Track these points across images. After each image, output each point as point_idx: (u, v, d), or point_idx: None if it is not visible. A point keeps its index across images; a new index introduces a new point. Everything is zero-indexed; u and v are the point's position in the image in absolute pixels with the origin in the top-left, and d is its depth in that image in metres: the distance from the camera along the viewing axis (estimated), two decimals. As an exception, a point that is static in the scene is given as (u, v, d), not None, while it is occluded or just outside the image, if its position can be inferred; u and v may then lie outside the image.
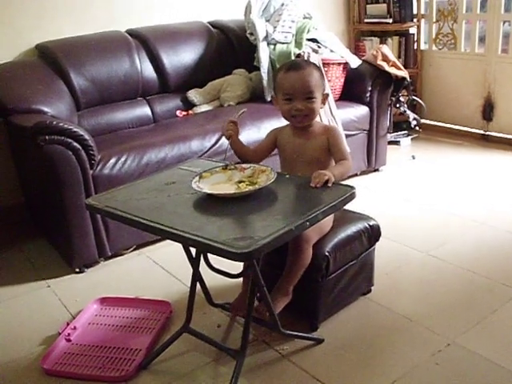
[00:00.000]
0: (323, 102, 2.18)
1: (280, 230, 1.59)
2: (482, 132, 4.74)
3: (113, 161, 2.85)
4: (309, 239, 2.09)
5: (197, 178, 1.97)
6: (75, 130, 2.67)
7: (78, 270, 2.87)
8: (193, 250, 2.11)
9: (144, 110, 3.66)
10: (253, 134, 3.12)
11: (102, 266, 2.94)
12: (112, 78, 3.50)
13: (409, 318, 2.32)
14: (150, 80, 3.69)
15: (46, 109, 3.03)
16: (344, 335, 2.24)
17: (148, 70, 3.68)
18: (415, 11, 4.86)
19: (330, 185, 1.88)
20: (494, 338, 2.16)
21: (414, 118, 4.45)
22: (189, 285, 2.18)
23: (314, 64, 2.23)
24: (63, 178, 2.68)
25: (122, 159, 2.87)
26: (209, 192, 1.88)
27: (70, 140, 2.64)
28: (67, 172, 2.67)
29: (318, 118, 2.23)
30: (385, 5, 4.82)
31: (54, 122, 2.63)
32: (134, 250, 3.06)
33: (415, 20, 4.87)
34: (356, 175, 3.92)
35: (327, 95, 2.21)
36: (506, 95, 4.49)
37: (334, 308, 2.34)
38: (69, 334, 2.29)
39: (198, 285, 2.21)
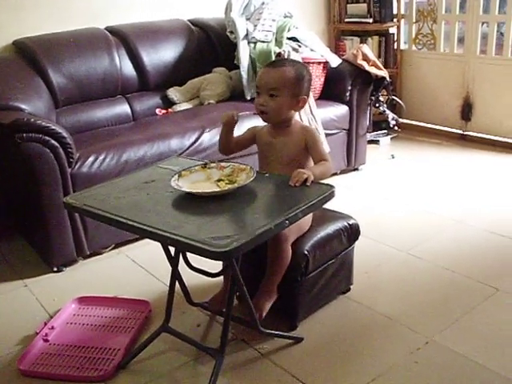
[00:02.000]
0: (300, 106, 2.16)
1: (259, 229, 1.59)
2: (460, 132, 4.78)
3: (91, 159, 2.82)
4: (287, 238, 2.09)
5: (176, 176, 1.96)
6: (53, 127, 2.64)
7: (56, 269, 2.84)
8: (172, 249, 2.10)
9: (123, 108, 3.63)
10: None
11: (80, 265, 2.92)
12: (91, 75, 3.48)
13: (388, 316, 2.33)
14: (129, 78, 3.67)
15: (23, 106, 2.99)
16: (323, 334, 2.24)
17: (127, 68, 3.66)
18: (395, 11, 4.88)
19: (308, 184, 1.88)
20: (472, 335, 2.18)
21: (393, 118, 4.48)
22: (168, 284, 2.17)
23: (300, 66, 2.18)
24: (41, 176, 2.65)
25: (101, 157, 2.85)
26: (188, 191, 1.87)
27: (47, 138, 2.61)
28: (45, 170, 2.64)
29: (298, 118, 2.23)
30: (365, 4, 4.84)
31: (32, 120, 2.60)
32: (113, 248, 3.04)
33: (395, 20, 4.89)
34: (336, 174, 3.92)
35: (305, 100, 2.16)
36: (485, 96, 4.53)
37: (314, 307, 2.34)
38: (46, 334, 2.26)
39: (178, 284, 2.20)
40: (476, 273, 2.62)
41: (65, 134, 2.68)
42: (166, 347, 2.19)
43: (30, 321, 2.41)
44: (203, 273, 2.15)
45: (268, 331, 2.13)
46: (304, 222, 2.17)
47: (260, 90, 2.12)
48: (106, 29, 3.71)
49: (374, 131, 4.68)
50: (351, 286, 2.52)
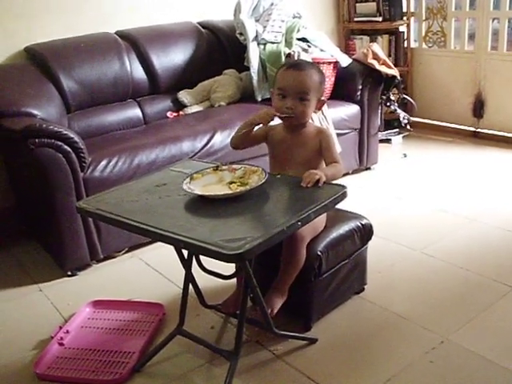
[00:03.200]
0: (318, 108, 2.18)
1: (272, 231, 1.59)
2: (472, 129, 4.75)
3: (104, 163, 2.84)
4: (303, 239, 2.09)
5: (188, 179, 1.96)
6: (65, 132, 2.66)
7: (70, 273, 2.86)
8: (185, 252, 2.10)
9: (134, 112, 3.64)
10: (244, 134, 3.11)
11: (94, 269, 2.93)
12: (102, 80, 3.49)
13: (402, 315, 2.32)
14: (140, 81, 3.68)
15: (35, 112, 3.01)
16: (337, 334, 2.23)
17: (138, 72, 3.67)
18: (405, 9, 4.87)
19: (320, 184, 1.88)
20: (487, 334, 2.17)
21: (405, 117, 4.46)
22: (182, 286, 2.17)
23: (318, 68, 2.21)
24: (54, 181, 2.66)
25: (113, 161, 2.86)
26: (200, 193, 1.87)
27: (60, 143, 2.63)
28: (58, 175, 2.66)
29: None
30: (374, 3, 4.82)
31: (44, 125, 2.61)
32: (127, 252, 3.05)
33: (405, 18, 4.87)
34: (348, 174, 3.91)
35: (324, 102, 2.19)
36: (496, 92, 4.50)
37: (328, 307, 2.34)
38: (61, 338, 2.27)
39: (191, 286, 2.20)
40: (490, 271, 2.61)
41: (77, 139, 2.69)
42: (181, 350, 2.19)
43: (45, 325, 2.42)
44: (216, 275, 2.15)
45: (282, 332, 2.13)
46: (319, 222, 2.16)
47: (287, 93, 2.09)
48: (116, 33, 3.72)
49: (385, 130, 4.67)
50: (365, 286, 2.51)
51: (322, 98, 2.17)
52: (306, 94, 2.08)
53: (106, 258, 2.98)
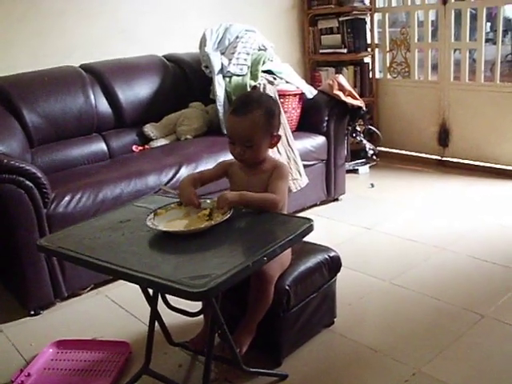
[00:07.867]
0: (274, 144, 2.15)
1: (237, 267, 1.56)
2: (438, 158, 4.80)
3: (67, 198, 2.78)
4: (272, 279, 2.07)
5: (151, 215, 1.93)
6: (27, 167, 2.60)
7: (32, 312, 2.77)
8: (150, 289, 2.05)
9: (99, 146, 3.60)
10: (210, 167, 3.08)
11: (58, 308, 2.85)
12: (66, 113, 3.45)
13: (374, 348, 2.29)
14: (105, 115, 3.64)
15: (-3, 147, 2.95)
16: (308, 370, 2.19)
17: (103, 105, 3.63)
18: (369, 41, 4.95)
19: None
20: (459, 364, 2.15)
21: (371, 147, 4.49)
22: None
23: (266, 102, 2.13)
24: (15, 218, 2.60)
25: (77, 196, 2.81)
26: (164, 229, 1.84)
27: (22, 178, 2.57)
28: (20, 211, 2.60)
29: (276, 150, 2.21)
30: (339, 35, 4.89)
31: (5, 161, 2.56)
32: (92, 289, 2.97)
33: (369, 49, 4.95)
34: (316, 205, 3.91)
35: (279, 136, 2.16)
36: (460, 121, 4.57)
37: (297, 342, 2.30)
38: (22, 382, 2.18)
39: (157, 324, 2.15)
40: (460, 300, 2.60)
41: (39, 174, 2.64)
42: (147, 390, 2.13)
43: (5, 368, 2.33)
44: (183, 312, 2.10)
45: (251, 369, 2.09)
46: (285, 257, 2.13)
47: (234, 141, 2.07)
48: (81, 66, 3.69)
49: (352, 161, 4.69)
50: (335, 319, 2.48)
51: (276, 133, 2.13)
52: (250, 140, 2.04)
53: (70, 296, 2.90)
